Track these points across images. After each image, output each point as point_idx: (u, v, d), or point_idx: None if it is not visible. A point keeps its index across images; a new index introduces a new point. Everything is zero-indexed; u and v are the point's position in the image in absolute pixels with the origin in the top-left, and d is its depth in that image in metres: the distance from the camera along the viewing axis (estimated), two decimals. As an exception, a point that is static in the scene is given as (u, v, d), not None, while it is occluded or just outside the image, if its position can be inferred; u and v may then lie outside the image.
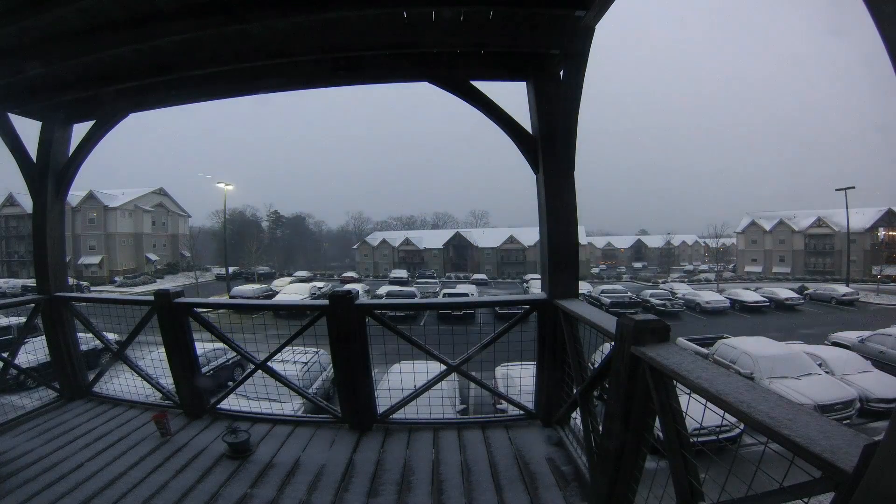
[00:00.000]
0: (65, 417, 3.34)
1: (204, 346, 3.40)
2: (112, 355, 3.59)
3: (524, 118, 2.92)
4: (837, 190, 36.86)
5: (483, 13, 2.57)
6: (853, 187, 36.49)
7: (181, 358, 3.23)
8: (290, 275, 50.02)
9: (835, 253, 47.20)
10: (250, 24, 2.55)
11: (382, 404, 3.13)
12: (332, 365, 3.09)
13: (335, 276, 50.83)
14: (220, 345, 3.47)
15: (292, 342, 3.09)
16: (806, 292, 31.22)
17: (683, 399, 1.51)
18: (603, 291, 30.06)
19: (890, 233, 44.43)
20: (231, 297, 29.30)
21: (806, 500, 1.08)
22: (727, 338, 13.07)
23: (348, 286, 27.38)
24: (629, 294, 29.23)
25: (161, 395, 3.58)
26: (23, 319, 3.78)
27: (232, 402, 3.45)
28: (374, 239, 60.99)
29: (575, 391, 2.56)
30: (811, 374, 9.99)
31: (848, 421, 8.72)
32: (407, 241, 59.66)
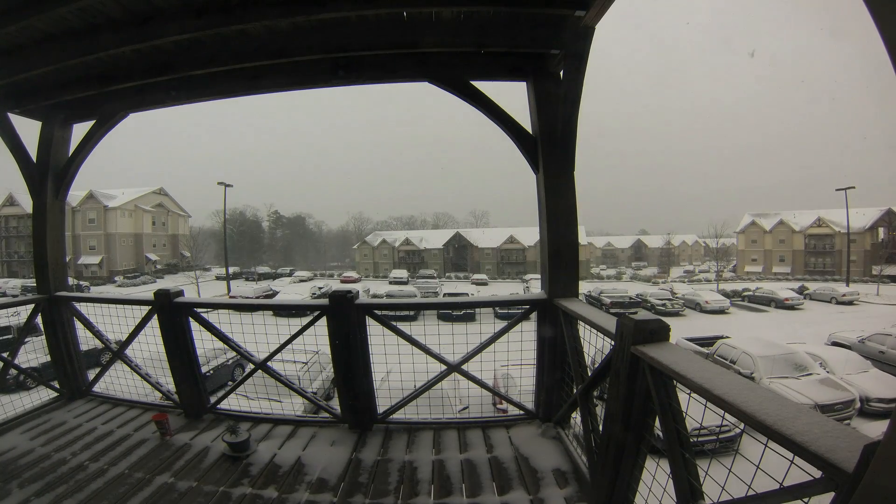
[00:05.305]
0: (65, 417, 3.34)
1: (204, 345, 3.39)
2: (112, 355, 3.59)
3: (524, 118, 2.92)
4: (837, 190, 36.95)
5: (483, 13, 2.57)
6: (853, 187, 36.60)
7: (181, 358, 3.23)
8: (290, 274, 50.06)
9: (835, 253, 47.14)
10: (250, 24, 2.56)
11: (382, 404, 3.13)
12: (331, 365, 3.09)
13: (335, 276, 50.89)
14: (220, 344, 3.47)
15: (292, 342, 3.09)
16: (806, 292, 31.24)
17: (683, 399, 1.51)
18: (602, 292, 30.20)
19: (891, 232, 44.32)
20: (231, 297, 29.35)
21: (806, 500, 1.08)
22: (727, 338, 13.07)
23: (348, 286, 27.39)
24: (629, 294, 29.34)
25: (161, 395, 3.58)
26: (23, 319, 3.78)
27: (232, 402, 3.45)
28: (375, 239, 60.91)
29: (575, 391, 2.56)
30: (811, 374, 10.00)
31: (848, 421, 8.73)
32: (407, 241, 59.59)
